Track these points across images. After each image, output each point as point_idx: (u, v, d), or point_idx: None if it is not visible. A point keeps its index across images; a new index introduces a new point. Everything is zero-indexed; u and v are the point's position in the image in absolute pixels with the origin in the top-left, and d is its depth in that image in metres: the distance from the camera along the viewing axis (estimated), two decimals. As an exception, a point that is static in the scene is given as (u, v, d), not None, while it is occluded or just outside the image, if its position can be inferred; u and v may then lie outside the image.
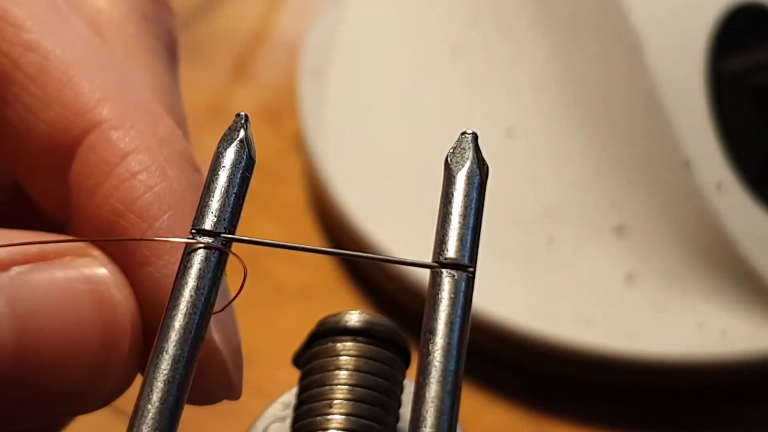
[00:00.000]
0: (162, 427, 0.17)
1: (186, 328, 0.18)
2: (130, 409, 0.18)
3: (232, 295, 0.21)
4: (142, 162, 0.22)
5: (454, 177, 0.19)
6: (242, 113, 0.20)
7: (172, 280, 0.19)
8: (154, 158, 0.22)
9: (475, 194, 0.19)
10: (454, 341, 0.18)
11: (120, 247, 0.22)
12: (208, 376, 0.22)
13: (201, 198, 0.20)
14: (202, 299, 0.19)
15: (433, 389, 0.17)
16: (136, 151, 0.22)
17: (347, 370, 0.22)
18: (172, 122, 0.23)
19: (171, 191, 0.22)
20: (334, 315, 0.23)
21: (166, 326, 0.18)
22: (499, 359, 0.48)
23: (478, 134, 0.20)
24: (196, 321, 0.18)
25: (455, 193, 0.19)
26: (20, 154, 0.23)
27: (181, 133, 0.23)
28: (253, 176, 0.20)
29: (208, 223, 0.19)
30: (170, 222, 0.21)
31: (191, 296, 0.18)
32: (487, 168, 0.20)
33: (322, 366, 0.22)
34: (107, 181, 0.22)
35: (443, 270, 0.19)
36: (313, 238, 0.52)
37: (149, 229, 0.21)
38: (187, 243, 0.19)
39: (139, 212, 0.21)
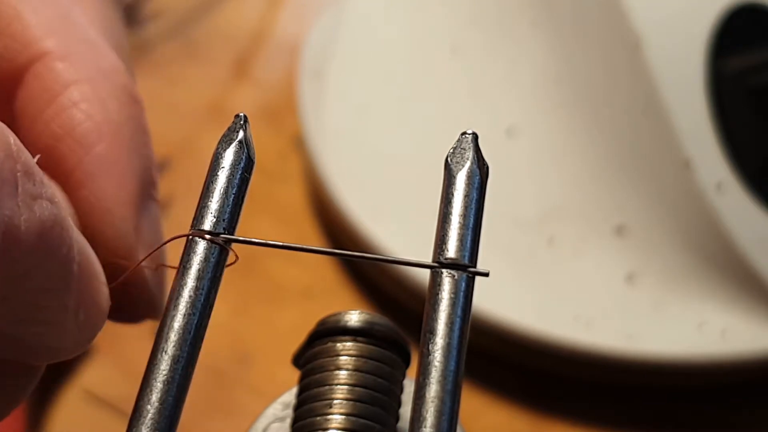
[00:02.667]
0: (161, 428, 0.17)
1: (185, 328, 0.18)
2: (129, 408, 0.18)
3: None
4: (84, 93, 0.23)
5: (455, 177, 0.19)
6: (241, 114, 0.20)
7: (107, 204, 0.20)
8: (96, 89, 0.23)
9: (475, 194, 0.19)
10: (454, 341, 0.18)
11: (59, 168, 0.22)
12: (130, 293, 0.22)
13: (200, 198, 0.20)
14: (201, 300, 0.19)
15: (433, 389, 0.17)
16: (79, 82, 0.23)
17: (347, 370, 0.22)
18: (115, 56, 0.24)
19: (109, 121, 0.22)
20: (334, 315, 0.23)
21: (166, 326, 0.18)
22: (499, 359, 0.48)
23: (478, 134, 0.20)
24: (195, 321, 0.18)
25: (455, 193, 0.19)
26: None
27: (125, 68, 0.24)
28: (253, 176, 0.20)
29: (207, 224, 0.19)
30: (107, 150, 0.22)
31: (190, 297, 0.18)
32: (488, 168, 0.20)
33: (322, 366, 0.22)
34: (50, 108, 0.22)
35: (443, 270, 0.19)
36: (313, 238, 0.52)
37: (86, 155, 0.22)
38: (187, 237, 0.19)
39: (78, 138, 0.22)
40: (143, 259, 0.22)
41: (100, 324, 0.20)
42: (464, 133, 0.20)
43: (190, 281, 0.19)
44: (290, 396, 0.23)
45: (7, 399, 0.21)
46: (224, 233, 0.19)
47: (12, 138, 0.18)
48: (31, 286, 0.18)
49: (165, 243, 0.20)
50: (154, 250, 0.21)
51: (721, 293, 0.47)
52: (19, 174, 0.18)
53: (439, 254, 0.19)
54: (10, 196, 0.18)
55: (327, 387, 0.22)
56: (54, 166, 0.22)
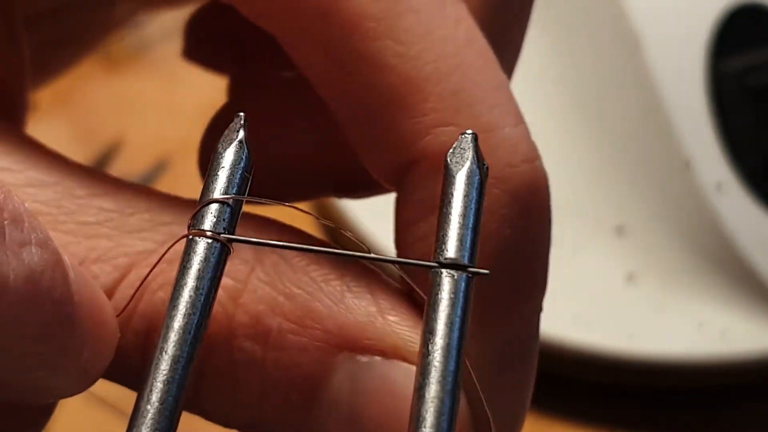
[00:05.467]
0: (161, 428, 0.17)
1: (185, 328, 0.18)
2: (129, 408, 0.18)
3: None
4: None
5: (454, 177, 0.19)
6: (241, 114, 0.20)
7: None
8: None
9: (474, 194, 0.19)
10: (454, 341, 0.18)
11: None
12: None
13: (200, 197, 0.20)
14: (202, 299, 0.18)
15: (432, 389, 0.17)
16: None
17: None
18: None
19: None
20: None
21: (166, 327, 0.18)
22: (499, 359, 0.48)
23: (478, 134, 0.20)
24: (195, 321, 0.18)
25: (455, 194, 0.19)
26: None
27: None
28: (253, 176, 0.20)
29: (208, 224, 0.19)
30: None
31: (191, 296, 0.18)
32: (487, 168, 0.20)
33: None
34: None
35: (443, 270, 0.19)
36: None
37: None
38: (188, 237, 0.19)
39: None
40: (148, 273, 0.21)
41: (108, 357, 0.20)
42: (464, 133, 0.20)
43: (191, 281, 0.19)
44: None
45: None
46: (225, 233, 0.19)
47: None
48: (24, 334, 0.18)
49: (170, 247, 0.20)
50: (160, 257, 0.21)
51: (721, 293, 0.47)
52: (6, 222, 0.18)
53: (439, 254, 0.19)
54: None
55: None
56: None
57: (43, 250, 0.18)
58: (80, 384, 0.20)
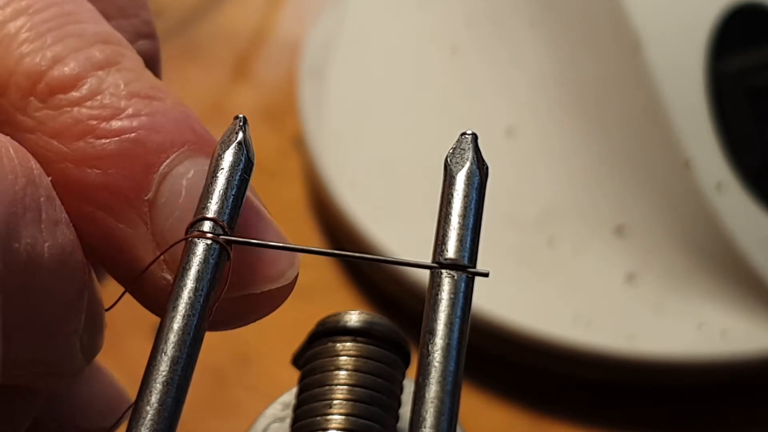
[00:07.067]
0: (161, 429, 0.17)
1: (185, 329, 0.18)
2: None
3: None
4: None
5: (454, 177, 0.19)
6: (240, 115, 0.20)
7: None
8: None
9: (474, 195, 0.19)
10: (454, 341, 0.18)
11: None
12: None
13: (200, 200, 0.20)
14: (201, 301, 0.18)
15: (432, 389, 0.17)
16: None
17: (347, 370, 0.22)
18: None
19: None
20: (334, 315, 0.23)
21: (165, 327, 0.18)
22: (499, 359, 0.48)
23: (478, 134, 0.20)
24: (194, 323, 0.18)
25: (455, 194, 0.19)
26: None
27: None
28: (253, 176, 0.20)
29: (207, 225, 0.19)
30: None
31: (190, 298, 0.18)
32: (487, 168, 0.20)
33: (321, 366, 0.22)
34: None
35: (443, 270, 0.19)
36: (313, 238, 0.52)
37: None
38: (186, 238, 0.19)
39: None
40: (143, 271, 0.21)
41: (100, 345, 0.20)
42: (464, 134, 0.20)
43: (190, 282, 0.19)
44: (290, 396, 0.23)
45: (15, 425, 0.21)
46: (223, 234, 0.19)
47: (33, 163, 0.18)
48: (50, 313, 0.18)
49: (167, 249, 0.20)
50: (156, 258, 0.20)
51: (721, 293, 0.47)
52: (42, 199, 0.18)
53: (439, 254, 0.19)
54: (34, 223, 0.17)
55: (327, 387, 0.22)
56: None
57: (69, 230, 0.18)
58: (77, 370, 0.20)
